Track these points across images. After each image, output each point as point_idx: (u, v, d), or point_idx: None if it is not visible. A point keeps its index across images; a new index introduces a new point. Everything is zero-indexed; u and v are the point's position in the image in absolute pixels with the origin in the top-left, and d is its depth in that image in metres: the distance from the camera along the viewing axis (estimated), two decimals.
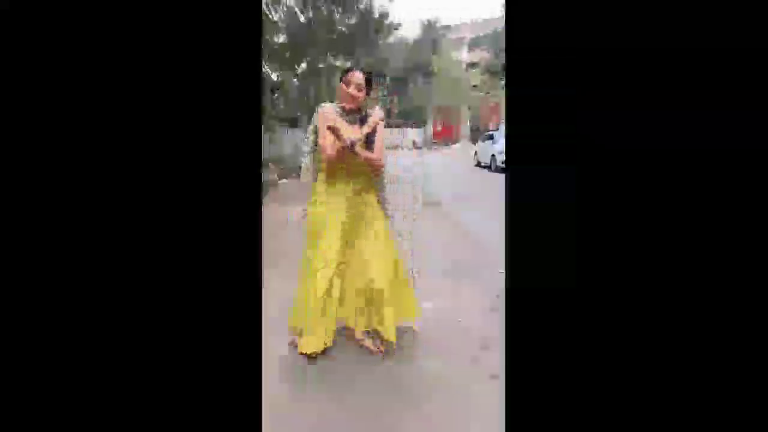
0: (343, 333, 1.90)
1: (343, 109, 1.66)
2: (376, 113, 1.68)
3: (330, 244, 1.68)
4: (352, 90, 1.61)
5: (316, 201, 1.73)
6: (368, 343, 1.82)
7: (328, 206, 1.70)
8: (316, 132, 1.70)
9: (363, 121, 1.66)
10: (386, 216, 1.83)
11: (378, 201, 1.81)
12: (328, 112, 1.64)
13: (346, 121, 1.65)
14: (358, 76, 1.62)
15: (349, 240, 1.72)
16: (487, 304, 2.29)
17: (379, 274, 1.68)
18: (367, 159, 1.65)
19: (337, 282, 1.69)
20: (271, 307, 2.23)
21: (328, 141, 1.59)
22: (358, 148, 1.59)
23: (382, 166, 1.75)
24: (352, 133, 1.61)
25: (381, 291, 1.67)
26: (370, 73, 1.68)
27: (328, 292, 1.66)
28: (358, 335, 1.84)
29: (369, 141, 1.65)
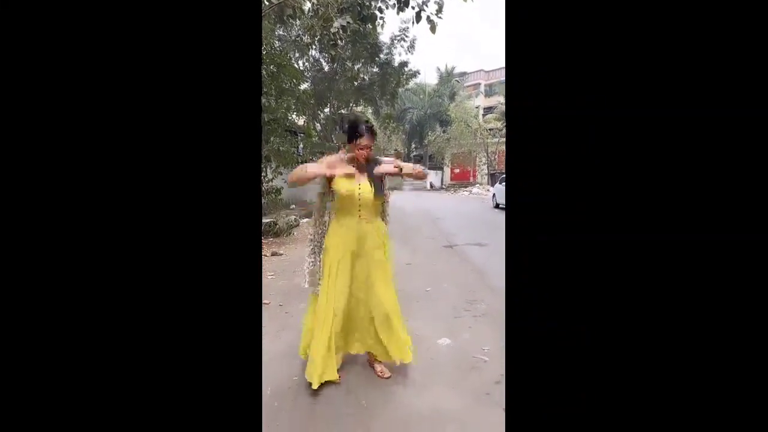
0: (357, 360, 2.02)
1: (351, 159, 1.80)
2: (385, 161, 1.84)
3: (337, 278, 1.80)
4: (364, 152, 1.77)
5: (329, 234, 1.88)
6: (378, 369, 1.96)
7: (338, 234, 1.83)
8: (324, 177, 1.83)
9: (370, 168, 1.80)
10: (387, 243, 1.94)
11: (384, 226, 1.94)
12: (333, 157, 1.83)
13: (355, 165, 1.80)
14: (369, 141, 1.75)
15: (355, 269, 1.84)
16: (502, 344, 2.32)
17: (383, 302, 1.83)
18: (409, 174, 1.82)
19: (339, 315, 1.80)
20: (297, 337, 2.35)
21: (320, 164, 1.73)
22: (404, 167, 1.79)
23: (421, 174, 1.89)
24: (364, 183, 1.78)
25: (386, 317, 1.83)
26: (372, 126, 1.80)
27: (334, 327, 1.78)
28: (371, 359, 2.00)
29: (377, 182, 1.81)
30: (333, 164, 1.77)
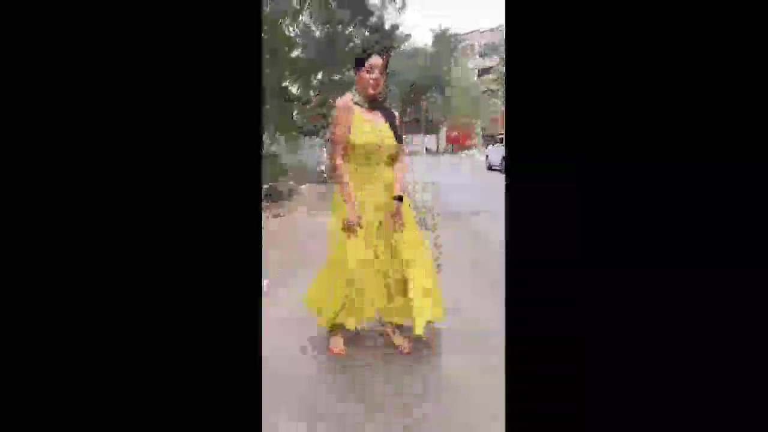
0: (372, 330, 1.92)
1: (365, 97, 1.62)
2: (398, 116, 1.70)
3: (362, 241, 1.61)
4: (375, 74, 1.57)
5: (339, 200, 1.65)
6: (398, 340, 1.78)
7: (358, 187, 1.63)
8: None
9: (389, 116, 1.65)
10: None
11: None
12: (345, 103, 1.59)
13: (367, 108, 1.62)
14: (379, 61, 1.56)
15: (383, 233, 1.67)
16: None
17: (411, 265, 1.66)
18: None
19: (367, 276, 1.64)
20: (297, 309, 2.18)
21: (338, 134, 1.57)
22: (397, 188, 1.64)
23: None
24: (382, 127, 1.61)
25: (412, 281, 1.64)
26: (388, 53, 1.63)
27: (359, 291, 1.62)
28: (388, 330, 1.83)
29: (396, 135, 1.66)
30: (346, 114, 1.58)
